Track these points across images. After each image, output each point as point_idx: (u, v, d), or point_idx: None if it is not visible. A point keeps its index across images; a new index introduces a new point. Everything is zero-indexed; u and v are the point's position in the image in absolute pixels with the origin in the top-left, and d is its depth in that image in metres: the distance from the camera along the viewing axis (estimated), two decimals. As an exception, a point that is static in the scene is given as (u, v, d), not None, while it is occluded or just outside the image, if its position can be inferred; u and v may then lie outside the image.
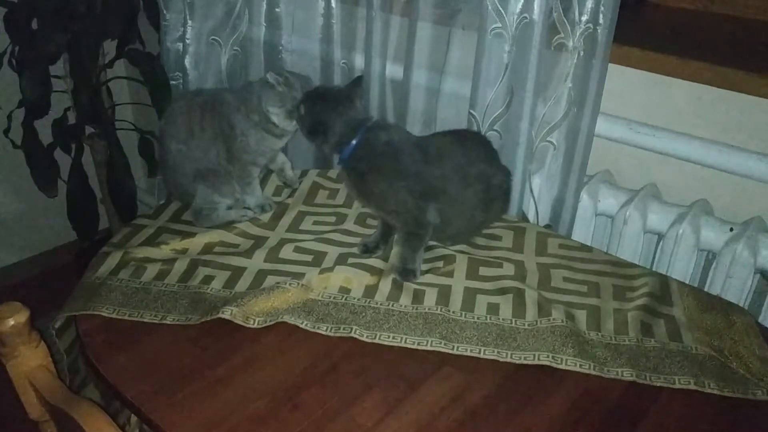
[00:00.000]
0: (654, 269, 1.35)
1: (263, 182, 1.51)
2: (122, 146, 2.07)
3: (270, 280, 1.23)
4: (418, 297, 1.19)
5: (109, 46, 2.09)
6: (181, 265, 1.26)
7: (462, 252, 1.31)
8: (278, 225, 1.40)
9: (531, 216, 1.53)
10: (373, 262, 1.26)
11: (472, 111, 1.48)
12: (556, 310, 1.14)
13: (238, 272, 1.25)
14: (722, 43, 1.45)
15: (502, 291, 1.20)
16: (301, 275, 1.22)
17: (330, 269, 1.23)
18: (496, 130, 1.48)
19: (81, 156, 2.05)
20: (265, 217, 1.41)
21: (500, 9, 1.36)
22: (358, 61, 1.71)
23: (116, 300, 1.16)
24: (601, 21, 1.29)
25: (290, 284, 1.18)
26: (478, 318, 1.15)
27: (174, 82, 1.91)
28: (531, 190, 1.51)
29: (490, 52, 1.41)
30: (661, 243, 1.39)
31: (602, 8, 1.29)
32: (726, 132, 1.36)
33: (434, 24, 1.53)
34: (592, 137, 1.40)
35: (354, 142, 1.26)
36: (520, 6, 1.34)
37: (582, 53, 1.36)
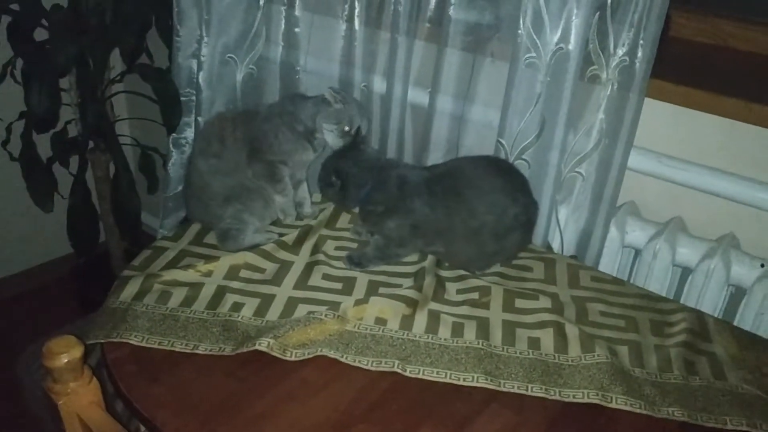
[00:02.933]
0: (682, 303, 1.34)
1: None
2: (126, 159, 2.01)
3: (302, 308, 1.19)
4: (457, 330, 1.16)
5: (113, 60, 2.04)
6: (207, 291, 1.22)
7: (496, 283, 1.29)
8: (302, 249, 1.37)
9: (556, 246, 1.52)
10: (407, 292, 1.22)
11: (500, 139, 1.47)
12: (598, 345, 1.12)
13: (267, 300, 1.21)
14: (746, 78, 1.46)
15: (542, 324, 1.18)
16: (335, 304, 1.18)
17: (364, 300, 1.19)
18: (524, 159, 1.46)
19: (85, 171, 1.98)
20: (290, 239, 1.37)
21: (535, 39, 1.35)
22: (379, 85, 1.68)
23: (143, 327, 1.11)
24: (639, 54, 1.29)
25: (326, 315, 1.14)
26: (520, 353, 1.12)
27: (185, 99, 1.87)
28: (557, 220, 1.50)
29: (522, 81, 1.40)
30: (690, 277, 1.38)
31: (641, 41, 1.29)
32: (755, 167, 1.36)
33: (462, 51, 1.51)
34: (624, 170, 1.39)
35: (368, 187, 1.35)
36: (556, 37, 1.33)
37: (616, 86, 1.35)
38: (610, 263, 1.47)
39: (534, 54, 1.36)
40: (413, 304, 1.20)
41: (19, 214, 2.29)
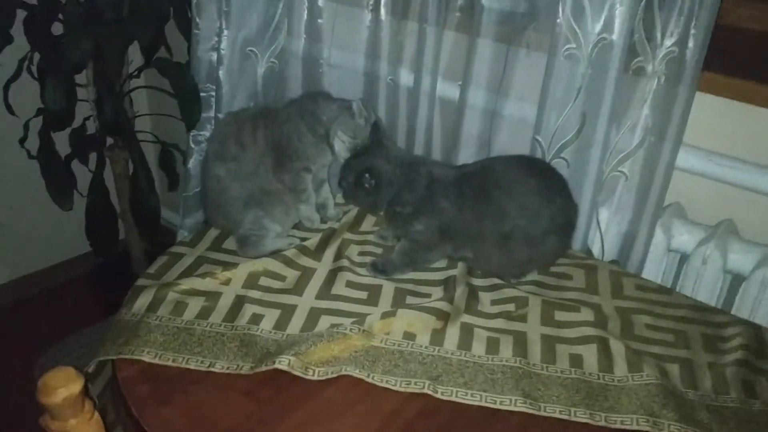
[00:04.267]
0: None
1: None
2: (145, 158, 1.95)
3: (324, 320, 1.11)
4: (492, 346, 1.07)
5: (132, 54, 1.98)
6: (225, 301, 1.14)
7: (533, 293, 1.20)
8: (324, 255, 1.29)
9: (596, 250, 1.42)
10: (438, 304, 1.14)
11: (537, 137, 1.37)
12: (647, 364, 1.03)
13: (288, 311, 1.13)
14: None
15: (584, 340, 1.09)
16: (360, 316, 1.10)
17: (392, 313, 1.11)
18: (563, 158, 1.36)
19: (103, 169, 1.93)
20: (312, 244, 1.29)
21: (576, 29, 1.25)
22: (406, 78, 1.59)
23: (157, 342, 1.04)
24: (690, 44, 1.19)
25: (351, 329, 1.06)
26: (561, 372, 1.03)
27: (204, 95, 1.80)
28: (598, 223, 1.40)
29: (561, 74, 1.30)
30: (743, 286, 1.28)
31: (693, 30, 1.18)
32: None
33: (495, 42, 1.42)
34: (672, 169, 1.29)
35: (397, 185, 1.24)
36: (599, 26, 1.23)
37: (663, 79, 1.25)
38: (654, 269, 1.37)
39: (574, 45, 1.26)
40: (444, 316, 1.12)
41: (39, 212, 2.25)
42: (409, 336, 1.08)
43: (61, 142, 1.92)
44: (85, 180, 1.97)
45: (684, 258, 1.36)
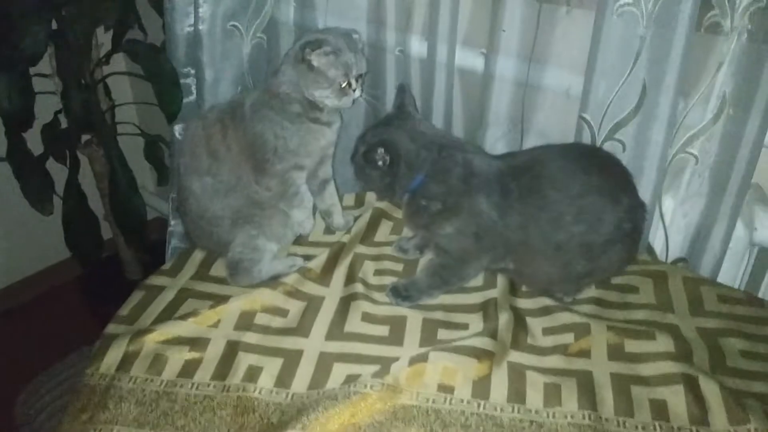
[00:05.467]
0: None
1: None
2: (124, 156, 1.71)
3: (338, 370, 0.89)
4: (551, 395, 0.85)
5: (104, 36, 1.72)
6: (214, 351, 0.93)
7: (594, 317, 0.97)
8: (333, 278, 1.06)
9: (658, 247, 1.18)
10: (479, 341, 0.91)
11: (584, 114, 1.12)
12: (752, 412, 0.80)
13: (292, 359, 0.91)
14: None
15: (666, 379, 0.86)
16: (381, 362, 0.89)
17: (422, 357, 0.88)
18: (618, 140, 1.12)
19: (77, 171, 1.69)
20: (318, 264, 1.07)
21: (632, -22, 0.99)
22: (418, 48, 1.34)
23: (129, 415, 0.84)
24: (787, -10, 0.92)
25: (371, 385, 0.84)
26: (643, 428, 0.81)
27: (185, 81, 1.55)
28: (661, 215, 1.16)
29: (614, 35, 1.05)
30: None
31: (790, -28, 0.92)
32: None
33: (526, -1, 1.16)
34: (761, 147, 1.03)
35: (423, 172, 0.99)
36: (663, -27, 0.96)
37: (745, 36, 0.99)
38: (732, 269, 1.13)
39: (631, 0, 1.01)
40: (488, 357, 0.89)
41: (20, 215, 2.02)
42: (446, 389, 0.86)
43: (35, 139, 1.69)
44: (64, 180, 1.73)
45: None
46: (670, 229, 1.16)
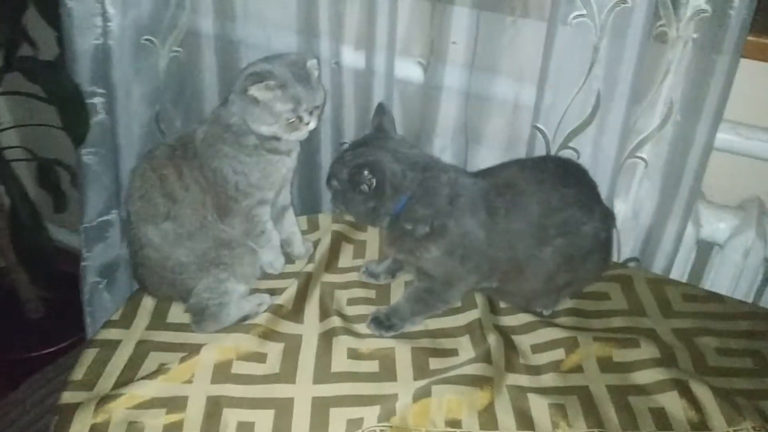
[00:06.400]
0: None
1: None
2: (23, 185, 1.53)
3: (336, 416, 0.84)
4: (558, 416, 0.84)
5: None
6: (195, 411, 0.84)
7: (576, 328, 0.98)
8: (305, 313, 1.00)
9: (610, 248, 1.21)
10: (475, 368, 0.89)
11: (537, 124, 1.13)
12: (746, 411, 0.84)
13: (284, 409, 0.85)
14: None
15: (660, 386, 0.88)
16: (380, 401, 0.84)
17: (425, 392, 0.85)
18: (572, 148, 1.13)
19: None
20: (287, 299, 1.00)
21: (586, -9, 1.00)
22: (354, 59, 1.28)
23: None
24: (736, 1, 0.96)
25: (380, 430, 0.79)
26: (651, 439, 0.82)
27: (92, 101, 1.40)
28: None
29: (567, 46, 1.06)
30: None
31: (736, -17, 0.96)
32: None
33: (471, 9, 1.14)
34: (710, 150, 1.08)
35: (408, 194, 0.93)
36: (617, -16, 0.98)
37: (691, 44, 1.03)
38: (679, 265, 1.19)
39: (584, 11, 1.02)
40: (488, 383, 0.87)
41: None
42: (454, 423, 0.83)
43: None
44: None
45: (708, 247, 1.18)
46: (621, 231, 1.20)
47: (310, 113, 0.97)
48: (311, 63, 0.99)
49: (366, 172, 0.90)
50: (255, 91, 0.93)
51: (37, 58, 1.47)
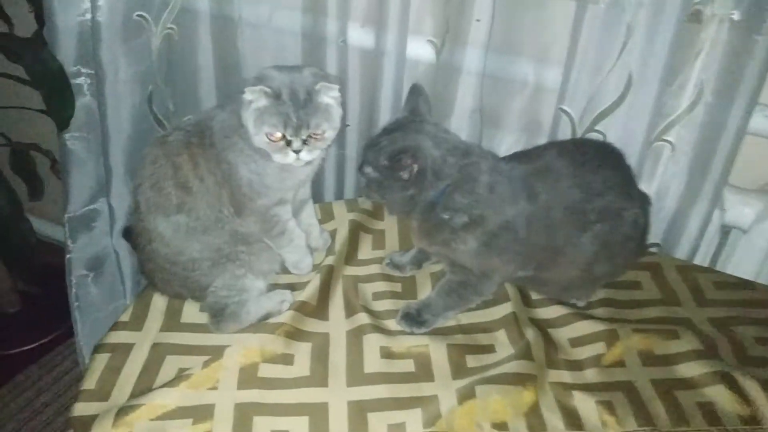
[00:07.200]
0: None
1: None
2: (1, 171, 1.43)
3: (376, 421, 0.79)
4: (607, 415, 0.80)
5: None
6: (224, 419, 0.78)
7: (614, 319, 0.94)
8: (330, 309, 0.94)
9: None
10: (516, 366, 0.85)
11: (563, 106, 1.08)
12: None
13: (319, 415, 0.79)
14: None
15: (705, 380, 0.85)
16: (420, 403, 0.80)
17: (469, 393, 0.80)
18: (598, 131, 1.09)
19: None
20: (310, 295, 0.94)
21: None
22: (364, 38, 1.21)
23: None
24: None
25: (427, 439, 0.75)
26: (704, 436, 0.79)
27: (77, 81, 1.30)
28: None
29: (597, 26, 1.01)
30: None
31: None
32: None
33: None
34: (743, 134, 1.04)
35: (447, 181, 0.87)
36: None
37: (728, 24, 0.99)
38: (702, 250, 1.16)
39: (617, -13, 0.97)
40: (531, 381, 0.83)
41: None
42: (501, 426, 0.78)
43: None
44: None
45: (729, 232, 1.16)
46: (643, 216, 1.17)
47: (303, 141, 0.86)
48: (320, 86, 0.86)
49: (407, 158, 0.84)
50: (248, 93, 0.84)
51: (14, 35, 1.36)
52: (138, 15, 1.25)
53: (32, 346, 1.67)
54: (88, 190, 1.42)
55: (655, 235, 1.18)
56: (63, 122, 1.32)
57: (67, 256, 1.44)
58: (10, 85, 1.38)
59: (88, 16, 1.24)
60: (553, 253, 0.91)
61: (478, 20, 1.08)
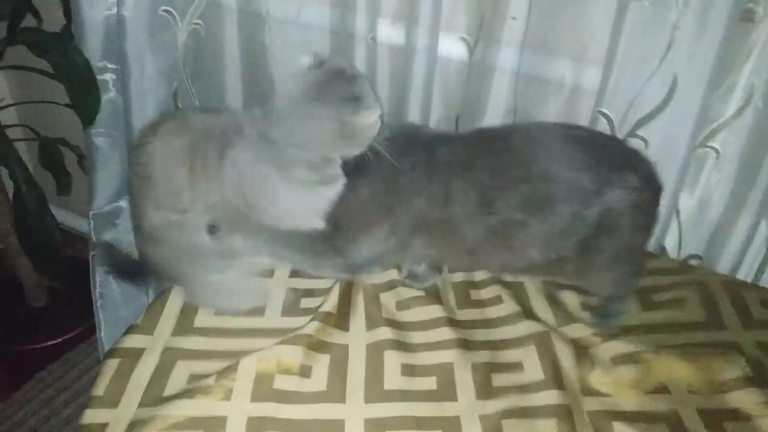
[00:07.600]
0: None
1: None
2: (27, 167, 1.41)
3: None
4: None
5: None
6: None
7: (653, 341, 0.88)
8: (351, 318, 0.90)
9: (669, 244, 1.12)
10: (549, 396, 0.79)
11: (602, 109, 1.02)
12: None
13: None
14: None
15: (761, 411, 0.78)
16: (444, 428, 0.75)
17: (496, 428, 0.75)
18: (639, 136, 1.03)
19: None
20: (332, 304, 0.90)
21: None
22: (394, 34, 1.17)
23: None
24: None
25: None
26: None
27: (102, 77, 1.29)
28: (677, 211, 1.09)
29: (638, 23, 0.95)
30: None
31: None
32: None
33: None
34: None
35: None
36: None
37: (781, 22, 0.92)
38: (747, 263, 1.09)
39: (663, -16, 0.91)
40: (564, 412, 0.77)
41: None
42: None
43: None
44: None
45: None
46: (685, 226, 1.10)
47: None
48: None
49: None
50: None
51: (41, 29, 1.35)
52: (164, 10, 1.22)
53: (57, 341, 1.66)
54: (112, 186, 1.40)
55: (696, 247, 1.11)
56: (88, 118, 1.30)
57: (91, 253, 1.43)
58: (38, 79, 1.37)
59: (115, 10, 1.22)
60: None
61: (513, 18, 1.03)
